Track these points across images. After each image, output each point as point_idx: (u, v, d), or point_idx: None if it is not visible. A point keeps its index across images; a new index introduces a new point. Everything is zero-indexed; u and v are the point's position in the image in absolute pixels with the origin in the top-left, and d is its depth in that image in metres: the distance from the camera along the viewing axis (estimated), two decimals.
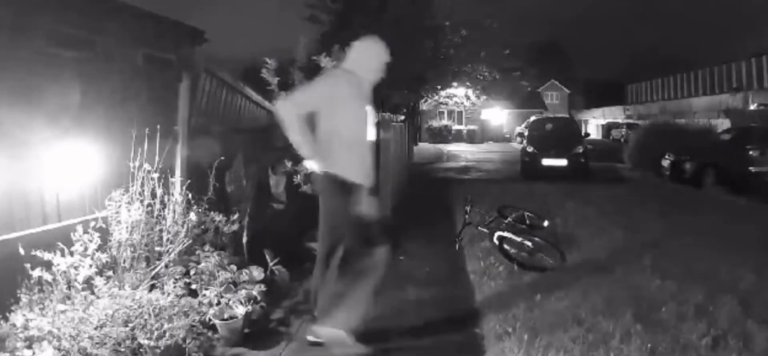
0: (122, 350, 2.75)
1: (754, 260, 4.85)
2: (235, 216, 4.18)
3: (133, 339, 2.82)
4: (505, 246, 4.96)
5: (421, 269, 5.04)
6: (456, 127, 37.26)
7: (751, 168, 9.83)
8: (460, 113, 37.59)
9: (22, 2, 6.89)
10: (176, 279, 3.40)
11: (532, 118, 24.00)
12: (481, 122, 38.80)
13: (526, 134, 17.48)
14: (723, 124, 17.00)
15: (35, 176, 3.24)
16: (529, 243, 5.01)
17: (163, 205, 3.69)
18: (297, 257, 4.81)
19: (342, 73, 3.27)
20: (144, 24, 9.36)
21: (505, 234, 5.12)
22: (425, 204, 8.82)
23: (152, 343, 2.79)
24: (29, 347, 2.55)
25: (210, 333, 3.26)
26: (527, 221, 5.90)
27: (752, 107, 20.38)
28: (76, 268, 2.93)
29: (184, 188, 3.94)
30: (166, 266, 3.49)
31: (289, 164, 5.04)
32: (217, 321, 3.28)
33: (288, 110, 3.03)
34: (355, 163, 3.12)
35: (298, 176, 4.91)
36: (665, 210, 7.70)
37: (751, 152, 9.99)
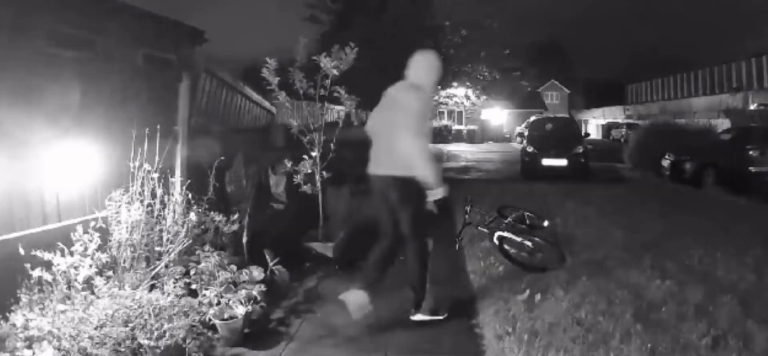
0: (122, 350, 2.75)
1: (754, 260, 4.85)
2: (235, 216, 4.18)
3: (133, 339, 2.82)
4: (505, 246, 4.96)
5: None
6: (456, 127, 37.25)
7: (751, 168, 9.83)
8: (460, 113, 37.58)
9: (23, 2, 6.89)
10: (176, 279, 3.40)
11: (532, 118, 23.98)
12: (481, 122, 38.79)
13: (526, 134, 17.47)
14: (723, 124, 17.00)
15: (35, 176, 3.24)
16: (529, 243, 5.01)
17: (163, 205, 3.69)
18: (297, 257, 4.82)
19: (416, 88, 3.47)
20: (144, 24, 9.35)
21: (505, 234, 5.11)
22: None
23: (152, 343, 2.79)
24: (29, 347, 2.55)
25: (210, 333, 3.26)
26: (527, 221, 5.89)
27: (752, 107, 20.38)
28: (76, 268, 2.93)
29: (184, 188, 3.94)
30: (166, 266, 3.49)
31: (289, 164, 5.04)
32: (217, 321, 3.28)
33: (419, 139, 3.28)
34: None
35: (298, 176, 4.92)
36: (665, 210, 7.69)
37: (751, 152, 9.98)
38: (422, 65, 3.52)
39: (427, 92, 3.54)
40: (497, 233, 5.12)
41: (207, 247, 3.78)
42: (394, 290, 4.20)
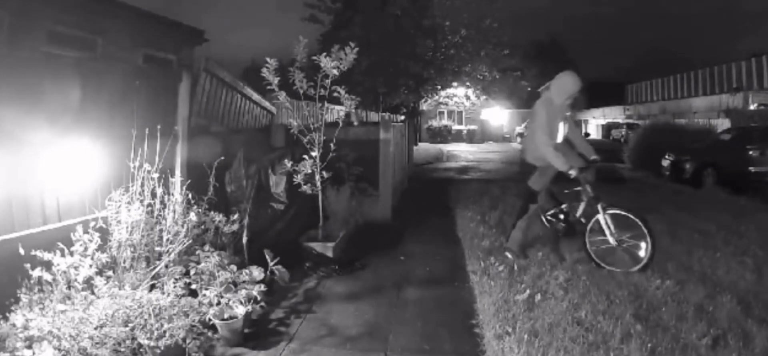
0: (122, 350, 2.75)
1: (753, 260, 4.85)
2: (235, 216, 4.17)
3: (133, 339, 2.82)
4: (606, 225, 4.59)
5: (421, 268, 5.04)
6: (456, 127, 37.22)
7: (751, 168, 9.83)
8: (460, 113, 37.56)
9: (24, 3, 6.89)
10: (176, 279, 3.40)
11: None
12: (481, 122, 38.75)
13: (526, 134, 17.43)
14: (723, 124, 16.98)
15: (35, 176, 3.24)
16: (638, 219, 4.51)
17: (163, 205, 3.69)
18: (297, 257, 4.82)
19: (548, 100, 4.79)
20: (144, 24, 9.36)
21: (615, 211, 4.64)
22: (425, 204, 8.82)
23: (152, 343, 2.79)
24: (29, 347, 2.55)
25: (210, 333, 3.26)
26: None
27: (752, 107, 20.36)
28: (76, 268, 2.93)
29: (184, 188, 3.94)
30: (166, 266, 3.49)
31: (289, 164, 5.04)
32: (217, 321, 3.28)
33: (547, 138, 4.62)
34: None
35: (298, 176, 4.91)
36: (665, 210, 7.69)
37: (751, 152, 9.98)
38: (554, 83, 4.78)
39: (556, 102, 4.74)
40: (608, 211, 4.63)
41: (207, 247, 3.77)
42: (394, 290, 4.20)
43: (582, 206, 4.89)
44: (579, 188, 4.82)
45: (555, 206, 5.04)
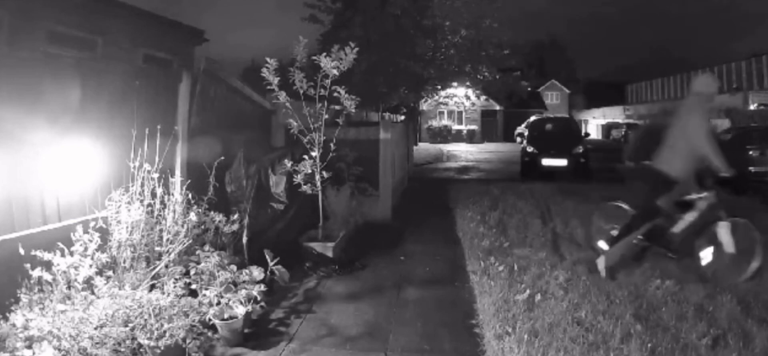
0: (122, 350, 2.75)
1: None
2: (235, 216, 4.18)
3: (133, 339, 2.82)
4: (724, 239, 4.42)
5: (421, 268, 5.04)
6: (456, 127, 37.23)
7: (751, 168, 9.83)
8: (460, 113, 37.56)
9: (24, 3, 6.89)
10: (176, 279, 3.40)
11: (532, 118, 23.95)
12: (481, 122, 38.77)
13: (526, 134, 17.46)
14: (723, 124, 16.98)
15: (35, 176, 3.24)
16: (752, 226, 4.41)
17: (163, 205, 3.69)
18: (297, 257, 4.82)
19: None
20: (144, 24, 9.37)
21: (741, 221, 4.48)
22: (425, 204, 8.81)
23: (152, 343, 2.79)
24: (29, 347, 2.55)
25: (210, 333, 3.26)
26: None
27: (752, 107, 20.37)
28: (76, 268, 2.93)
29: (184, 188, 3.94)
30: (166, 266, 3.49)
31: (289, 164, 5.04)
32: (217, 321, 3.28)
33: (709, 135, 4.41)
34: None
35: (298, 176, 4.91)
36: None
37: (751, 152, 9.97)
38: (698, 86, 4.65)
39: (704, 104, 4.58)
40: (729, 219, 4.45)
41: (207, 247, 3.77)
42: (394, 290, 4.19)
43: (686, 218, 4.66)
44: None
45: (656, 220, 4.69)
